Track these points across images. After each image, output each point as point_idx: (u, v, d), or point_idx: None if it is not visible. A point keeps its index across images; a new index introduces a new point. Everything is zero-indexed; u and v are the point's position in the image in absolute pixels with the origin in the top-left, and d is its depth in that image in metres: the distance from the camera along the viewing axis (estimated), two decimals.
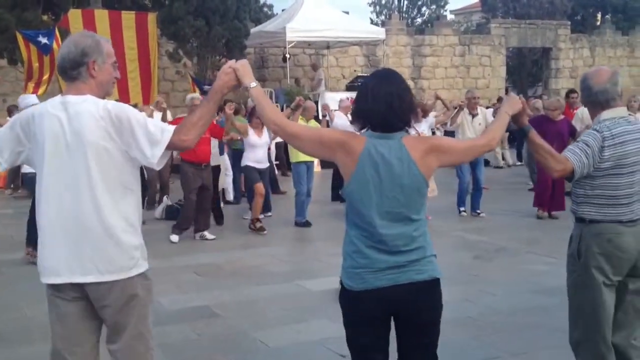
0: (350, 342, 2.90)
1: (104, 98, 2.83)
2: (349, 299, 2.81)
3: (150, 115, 9.57)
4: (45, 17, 14.36)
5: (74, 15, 15.62)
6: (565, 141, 9.46)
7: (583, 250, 3.33)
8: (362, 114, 2.81)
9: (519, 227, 9.30)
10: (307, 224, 9.46)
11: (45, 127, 2.75)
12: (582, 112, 11.30)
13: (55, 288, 2.80)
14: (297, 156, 9.38)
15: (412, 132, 2.85)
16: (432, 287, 2.80)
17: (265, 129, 9.19)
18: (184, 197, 8.80)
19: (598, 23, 29.59)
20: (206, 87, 16.52)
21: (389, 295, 2.73)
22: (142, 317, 2.86)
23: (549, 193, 9.70)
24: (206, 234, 8.65)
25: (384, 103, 2.72)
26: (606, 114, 3.36)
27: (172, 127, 2.81)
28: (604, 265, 3.27)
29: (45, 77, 13.30)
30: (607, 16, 29.14)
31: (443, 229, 9.17)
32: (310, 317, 5.43)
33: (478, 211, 10.07)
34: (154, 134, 2.75)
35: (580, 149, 3.24)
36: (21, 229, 9.18)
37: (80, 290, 2.78)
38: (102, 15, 16.30)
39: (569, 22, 25.81)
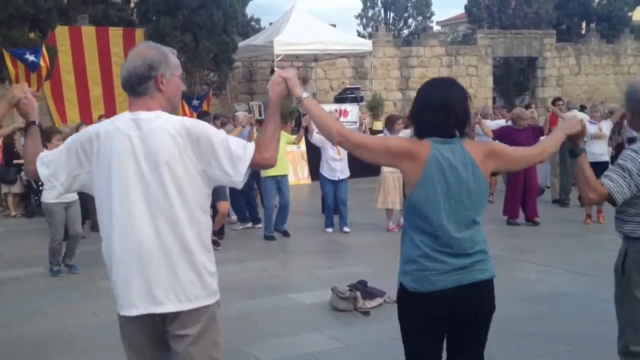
0: (411, 343, 2.93)
1: (173, 112, 2.70)
2: (413, 301, 2.85)
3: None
4: (32, 35, 14.32)
5: (61, 32, 15.64)
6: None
7: (627, 267, 3.30)
8: (423, 123, 2.84)
9: (510, 235, 9.32)
10: (274, 238, 9.39)
11: (116, 147, 2.57)
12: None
13: (130, 319, 2.63)
14: (265, 171, 9.34)
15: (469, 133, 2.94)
16: (491, 285, 2.93)
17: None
18: None
19: (583, 32, 29.84)
20: (195, 102, 16.58)
21: (454, 295, 2.79)
22: (217, 345, 2.70)
23: (519, 200, 9.97)
24: None
25: (447, 114, 2.77)
26: None
27: (252, 144, 2.67)
28: None
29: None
30: (592, 25, 29.39)
31: None
32: (303, 330, 5.40)
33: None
34: (235, 151, 2.60)
35: (618, 174, 3.21)
36: (11, 248, 9.13)
37: (156, 321, 2.62)
38: (89, 32, 16.32)
39: (555, 32, 26.00)
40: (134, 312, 2.59)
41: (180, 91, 2.79)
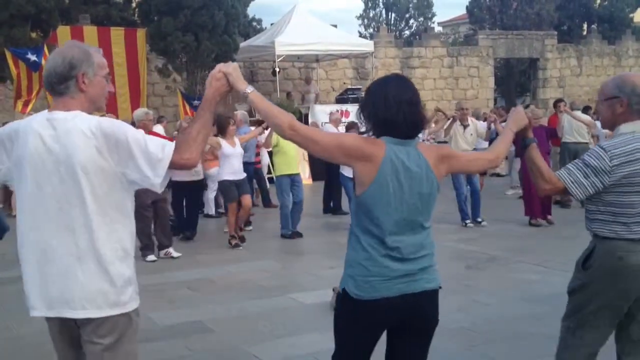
0: (343, 349, 2.86)
1: (93, 112, 2.59)
2: (354, 308, 2.74)
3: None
4: (33, 34, 14.37)
5: (63, 32, 15.65)
6: (545, 145, 9.92)
7: (593, 263, 3.18)
8: (380, 121, 2.74)
9: (510, 236, 9.33)
10: (292, 236, 9.47)
11: (29, 146, 2.49)
12: (570, 120, 11.46)
13: (50, 321, 2.62)
14: (280, 169, 9.39)
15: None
16: (435, 296, 2.83)
17: (237, 139, 9.13)
18: (135, 215, 8.62)
19: (584, 33, 29.84)
20: (195, 102, 16.58)
21: (399, 304, 2.70)
22: (130, 354, 2.63)
23: (538, 200, 9.84)
24: (171, 251, 8.51)
25: (407, 111, 2.70)
26: (625, 127, 3.19)
27: (173, 144, 2.54)
28: (613, 282, 3.12)
29: (34, 94, 13.29)
30: (593, 26, 29.39)
31: (435, 238, 9.19)
32: (304, 331, 5.41)
33: (479, 219, 10.14)
34: (154, 152, 2.47)
35: (578, 168, 3.12)
36: (13, 247, 9.10)
37: (70, 325, 2.59)
38: (91, 32, 16.34)
39: (556, 33, 26.01)
40: (49, 313, 2.55)
41: (106, 91, 2.66)
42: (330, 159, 2.82)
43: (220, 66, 2.72)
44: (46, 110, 2.60)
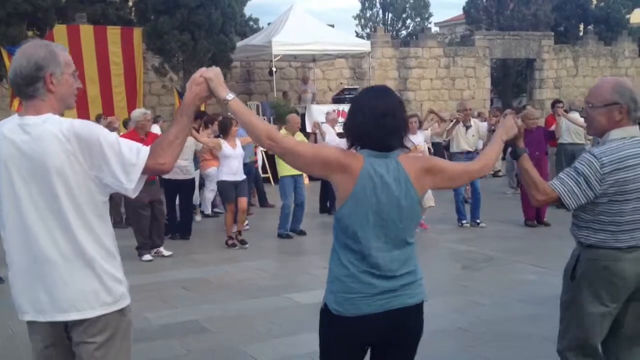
0: None
1: (63, 112, 2.57)
2: (335, 324, 2.67)
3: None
4: (30, 33, 14.32)
5: (59, 31, 15.61)
6: (543, 148, 9.97)
7: (578, 272, 3.16)
8: (357, 134, 2.68)
9: (507, 237, 9.34)
10: (289, 236, 9.49)
11: (3, 152, 2.45)
12: (567, 121, 11.48)
13: (33, 326, 2.58)
14: (283, 170, 9.38)
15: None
16: (420, 310, 2.74)
17: (238, 141, 9.12)
18: (131, 214, 8.67)
19: (581, 34, 29.91)
20: None
21: (380, 321, 2.63)
22: (124, 350, 2.63)
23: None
24: (162, 249, 8.51)
25: (382, 123, 2.60)
26: (615, 134, 3.09)
27: (148, 148, 2.51)
28: (600, 290, 3.10)
29: None
30: (589, 27, 29.46)
31: (432, 239, 9.20)
32: (300, 331, 5.41)
33: (478, 221, 10.15)
34: (128, 157, 2.45)
35: (570, 177, 3.06)
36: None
37: (58, 330, 2.56)
38: (87, 31, 16.29)
39: (552, 33, 26.06)
40: (28, 317, 2.54)
41: (74, 89, 2.62)
42: (309, 171, 2.77)
43: (202, 71, 2.66)
44: (16, 115, 2.55)
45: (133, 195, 2.53)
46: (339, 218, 2.67)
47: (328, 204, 11.60)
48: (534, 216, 10.08)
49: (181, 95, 16.14)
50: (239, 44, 18.40)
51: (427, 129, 10.83)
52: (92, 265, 2.49)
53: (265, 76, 20.26)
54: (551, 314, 5.82)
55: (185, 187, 9.66)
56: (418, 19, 39.95)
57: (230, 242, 8.91)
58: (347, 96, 18.06)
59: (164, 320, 5.79)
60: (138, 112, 8.82)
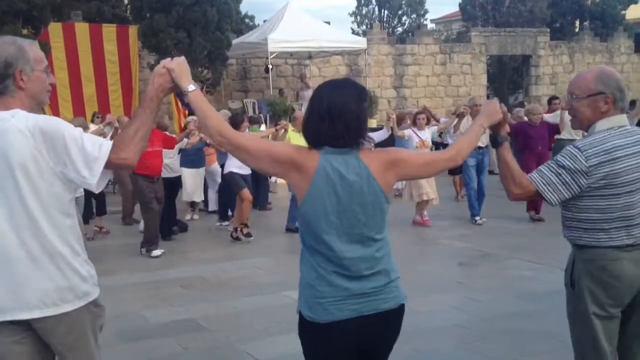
0: None
1: (38, 109, 2.54)
2: (311, 332, 2.59)
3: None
4: (25, 31, 14.23)
5: (54, 29, 15.57)
6: (547, 143, 9.97)
7: (576, 278, 2.92)
8: (309, 130, 2.56)
9: (504, 233, 9.34)
10: (297, 230, 9.48)
11: None
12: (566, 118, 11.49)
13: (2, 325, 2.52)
14: None
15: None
16: (398, 315, 2.62)
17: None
18: (142, 209, 8.69)
19: (577, 30, 29.91)
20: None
21: (355, 327, 2.51)
22: (92, 346, 2.63)
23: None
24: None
25: (329, 119, 2.48)
26: (602, 124, 2.89)
27: (110, 143, 2.50)
28: (599, 295, 2.85)
29: None
30: (585, 23, 29.46)
31: (429, 235, 9.21)
32: (297, 329, 5.40)
33: (476, 218, 10.04)
34: (90, 151, 2.43)
35: (551, 169, 2.85)
36: None
37: (25, 328, 2.52)
38: (82, 29, 16.27)
39: (548, 30, 26.05)
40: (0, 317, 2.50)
41: (47, 85, 2.59)
42: (261, 169, 2.67)
43: (165, 62, 2.59)
44: None
45: (97, 190, 2.52)
46: (300, 218, 2.61)
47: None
48: (533, 207, 10.04)
49: (177, 93, 16.13)
50: (235, 41, 18.37)
51: (435, 125, 10.70)
52: (57, 262, 2.48)
53: (261, 73, 20.23)
54: (548, 309, 5.84)
55: (175, 185, 9.78)
56: (414, 15, 39.96)
57: (235, 234, 8.98)
58: None
59: (161, 318, 5.78)
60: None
